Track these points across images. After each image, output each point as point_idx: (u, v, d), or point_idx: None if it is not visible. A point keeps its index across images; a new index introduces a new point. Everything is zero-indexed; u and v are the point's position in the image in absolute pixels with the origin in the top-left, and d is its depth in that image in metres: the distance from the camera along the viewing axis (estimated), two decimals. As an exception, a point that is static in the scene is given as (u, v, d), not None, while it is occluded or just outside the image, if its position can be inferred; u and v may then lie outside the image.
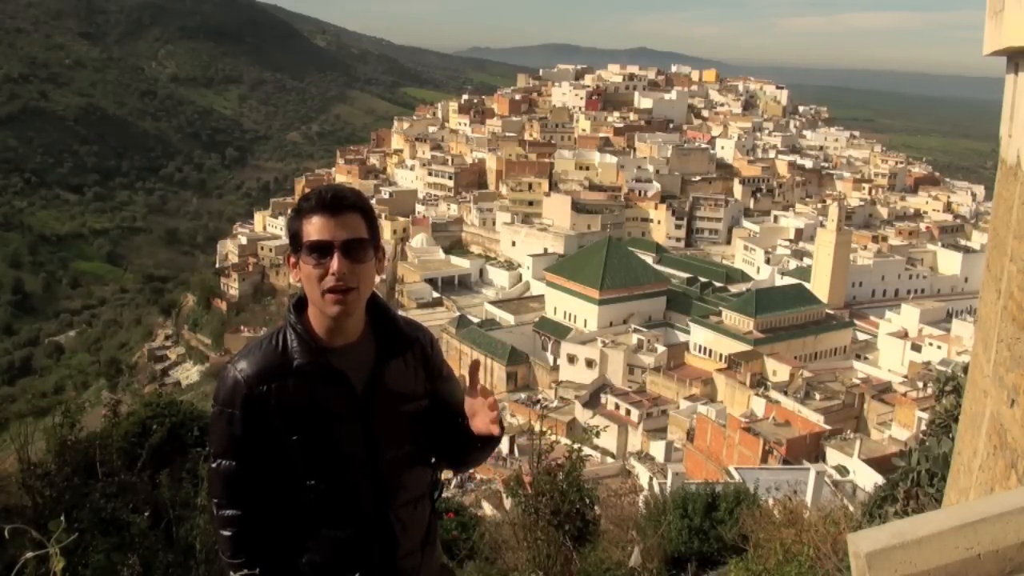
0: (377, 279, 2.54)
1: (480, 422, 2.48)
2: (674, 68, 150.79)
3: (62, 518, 2.64)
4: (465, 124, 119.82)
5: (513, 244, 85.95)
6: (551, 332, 68.41)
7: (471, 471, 40.40)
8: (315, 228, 2.35)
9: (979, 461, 2.98)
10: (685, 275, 76.42)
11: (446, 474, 2.88)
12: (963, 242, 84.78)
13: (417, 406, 2.56)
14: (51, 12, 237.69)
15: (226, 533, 2.44)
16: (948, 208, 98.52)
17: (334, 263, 2.32)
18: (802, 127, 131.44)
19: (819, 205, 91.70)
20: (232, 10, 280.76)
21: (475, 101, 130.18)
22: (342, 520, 2.43)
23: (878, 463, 33.96)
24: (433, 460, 2.70)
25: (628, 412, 53.78)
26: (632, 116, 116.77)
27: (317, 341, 2.42)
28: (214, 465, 2.44)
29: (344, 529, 2.44)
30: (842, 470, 37.93)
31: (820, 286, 70.85)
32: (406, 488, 2.55)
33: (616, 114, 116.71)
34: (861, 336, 68.20)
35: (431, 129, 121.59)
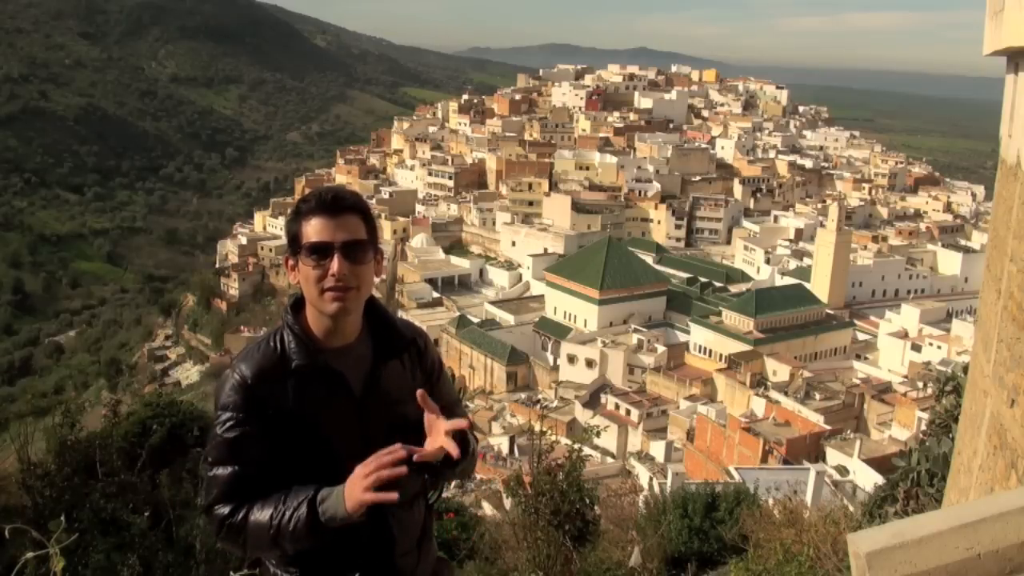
0: (376, 280, 2.55)
1: (434, 440, 2.35)
2: (674, 68, 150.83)
3: (62, 518, 2.64)
4: (465, 124, 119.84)
5: (513, 244, 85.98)
6: (551, 332, 68.41)
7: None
8: (315, 229, 2.36)
9: (979, 461, 2.98)
10: (685, 275, 76.43)
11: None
12: (963, 242, 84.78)
13: (413, 408, 2.57)
14: (51, 12, 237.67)
15: (222, 512, 2.35)
16: (948, 208, 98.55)
17: (334, 264, 2.33)
18: (802, 127, 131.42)
19: (819, 205, 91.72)
20: (232, 10, 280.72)
21: (475, 101, 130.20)
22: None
23: (878, 463, 33.95)
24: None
25: (628, 412, 53.78)
26: (632, 116, 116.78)
27: (315, 342, 2.42)
28: (211, 473, 2.38)
29: (341, 529, 2.42)
30: (842, 470, 37.93)
31: (820, 286, 70.86)
32: (402, 489, 2.54)
33: (616, 114, 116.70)
34: (861, 336, 68.19)
35: (431, 129, 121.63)
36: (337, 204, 2.39)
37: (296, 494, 2.26)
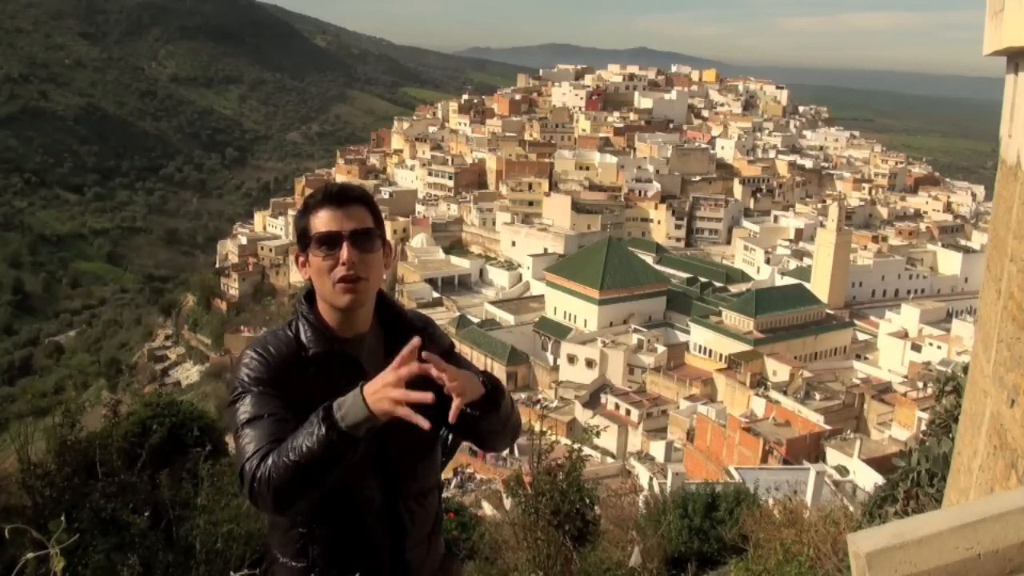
0: (385, 273, 2.57)
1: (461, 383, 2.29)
2: (674, 68, 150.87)
3: (62, 518, 2.64)
4: (465, 124, 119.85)
5: (513, 244, 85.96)
6: (551, 332, 68.41)
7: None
8: (322, 221, 2.40)
9: (979, 461, 2.98)
10: (685, 275, 76.44)
11: (445, 474, 2.82)
12: (963, 242, 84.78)
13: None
14: (51, 12, 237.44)
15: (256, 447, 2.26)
16: (948, 208, 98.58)
17: (344, 252, 2.36)
18: (802, 127, 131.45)
19: (819, 205, 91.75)
20: (232, 10, 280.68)
21: (475, 101, 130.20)
22: (351, 510, 2.43)
23: (878, 463, 33.98)
24: (443, 459, 2.71)
25: (628, 412, 53.81)
26: (632, 116, 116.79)
27: (329, 331, 2.45)
28: (238, 436, 2.32)
29: (353, 519, 2.44)
30: (842, 470, 37.95)
31: (820, 286, 70.87)
32: (416, 479, 2.55)
33: (616, 114, 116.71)
34: (861, 336, 68.21)
35: (431, 129, 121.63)
36: (343, 195, 2.43)
37: (311, 417, 2.20)
